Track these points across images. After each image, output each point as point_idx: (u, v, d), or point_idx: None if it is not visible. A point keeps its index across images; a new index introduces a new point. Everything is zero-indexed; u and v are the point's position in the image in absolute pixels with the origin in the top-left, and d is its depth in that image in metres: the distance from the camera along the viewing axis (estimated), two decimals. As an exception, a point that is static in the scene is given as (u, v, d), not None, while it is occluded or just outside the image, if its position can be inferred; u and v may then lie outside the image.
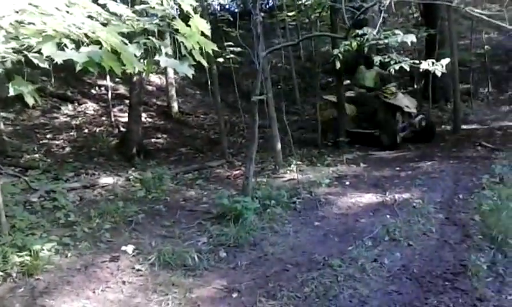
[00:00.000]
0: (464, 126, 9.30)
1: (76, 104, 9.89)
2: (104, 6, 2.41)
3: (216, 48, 2.71)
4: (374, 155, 7.88)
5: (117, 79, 10.87)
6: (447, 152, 7.62)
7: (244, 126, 10.00)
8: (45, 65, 2.17)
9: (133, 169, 6.89)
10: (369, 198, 5.38)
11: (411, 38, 4.43)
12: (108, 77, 9.80)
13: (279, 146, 6.93)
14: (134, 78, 7.55)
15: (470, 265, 3.42)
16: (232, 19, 8.56)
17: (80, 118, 9.35)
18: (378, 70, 8.41)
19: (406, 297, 3.13)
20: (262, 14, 6.88)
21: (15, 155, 6.98)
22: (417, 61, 4.71)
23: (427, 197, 5.12)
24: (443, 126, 9.83)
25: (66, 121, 9.06)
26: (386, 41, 4.83)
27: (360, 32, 4.93)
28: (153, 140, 9.23)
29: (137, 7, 2.73)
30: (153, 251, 3.81)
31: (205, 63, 2.70)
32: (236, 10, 15.51)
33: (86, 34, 2.20)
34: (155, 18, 2.63)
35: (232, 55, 8.62)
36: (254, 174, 5.76)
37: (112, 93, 10.00)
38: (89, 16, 2.32)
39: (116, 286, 3.32)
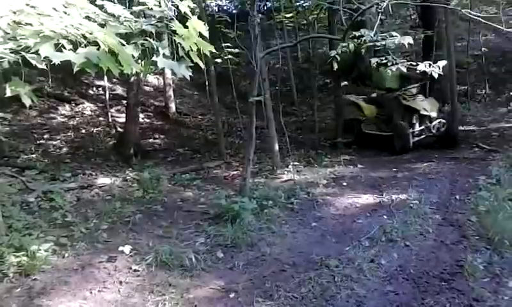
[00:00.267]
0: (461, 128, 9.33)
1: (73, 104, 9.86)
2: (101, 7, 2.41)
3: (214, 50, 2.72)
4: (371, 156, 7.89)
5: (114, 80, 10.85)
6: (444, 153, 7.64)
7: (241, 127, 9.99)
8: (43, 66, 2.17)
9: (130, 169, 6.88)
10: (366, 199, 5.39)
11: (408, 40, 4.45)
12: (105, 78, 9.76)
13: (276, 146, 6.95)
14: (132, 79, 7.54)
15: (466, 265, 3.44)
16: (230, 20, 8.57)
17: (77, 119, 9.33)
18: (401, 71, 8.26)
19: (403, 297, 3.15)
20: (260, 15, 6.90)
21: (12, 155, 6.96)
22: (414, 63, 4.73)
23: (424, 198, 5.13)
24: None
25: (64, 122, 9.03)
26: (383, 43, 4.85)
27: (358, 34, 4.95)
28: (150, 140, 9.22)
29: (135, 8, 2.74)
30: (150, 251, 3.81)
31: (202, 64, 2.71)
32: (234, 11, 15.52)
33: (83, 35, 2.20)
34: (152, 19, 2.64)
35: (229, 57, 8.62)
36: (251, 174, 5.78)
37: (109, 94, 9.98)
38: (87, 17, 2.32)
39: (113, 287, 3.32)
